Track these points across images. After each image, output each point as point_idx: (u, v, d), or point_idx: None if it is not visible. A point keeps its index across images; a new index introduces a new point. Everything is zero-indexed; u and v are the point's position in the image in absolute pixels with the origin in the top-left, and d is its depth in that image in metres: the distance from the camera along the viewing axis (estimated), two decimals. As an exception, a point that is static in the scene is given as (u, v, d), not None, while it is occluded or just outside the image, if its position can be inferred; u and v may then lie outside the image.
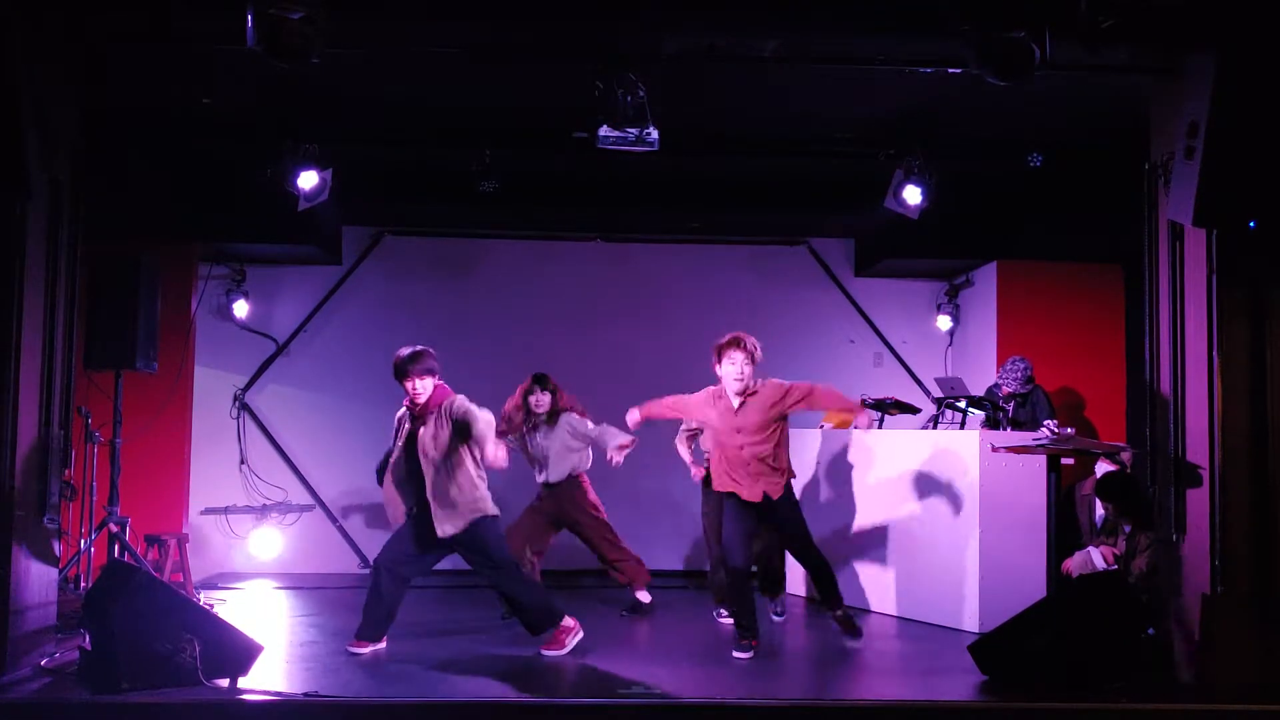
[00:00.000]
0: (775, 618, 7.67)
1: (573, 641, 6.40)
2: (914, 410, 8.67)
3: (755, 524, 6.69)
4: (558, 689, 5.70)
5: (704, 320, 10.28)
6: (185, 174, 8.67)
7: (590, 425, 7.69)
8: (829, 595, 6.90)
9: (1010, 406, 8.86)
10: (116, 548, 7.41)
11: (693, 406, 6.79)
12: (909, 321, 10.63)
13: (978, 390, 9.19)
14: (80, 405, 7.65)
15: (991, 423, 8.57)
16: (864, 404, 8.76)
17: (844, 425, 8.69)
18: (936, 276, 10.59)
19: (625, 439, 7.32)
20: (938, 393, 9.27)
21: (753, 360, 6.52)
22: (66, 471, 6.41)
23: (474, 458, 6.37)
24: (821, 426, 9.00)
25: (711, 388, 6.71)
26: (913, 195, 8.12)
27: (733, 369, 6.51)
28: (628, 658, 6.41)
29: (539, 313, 10.24)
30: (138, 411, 8.71)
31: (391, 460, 6.47)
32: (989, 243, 9.65)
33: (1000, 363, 9.66)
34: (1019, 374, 8.90)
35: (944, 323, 10.46)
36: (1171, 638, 5.98)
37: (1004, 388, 8.91)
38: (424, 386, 6.35)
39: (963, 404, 8.45)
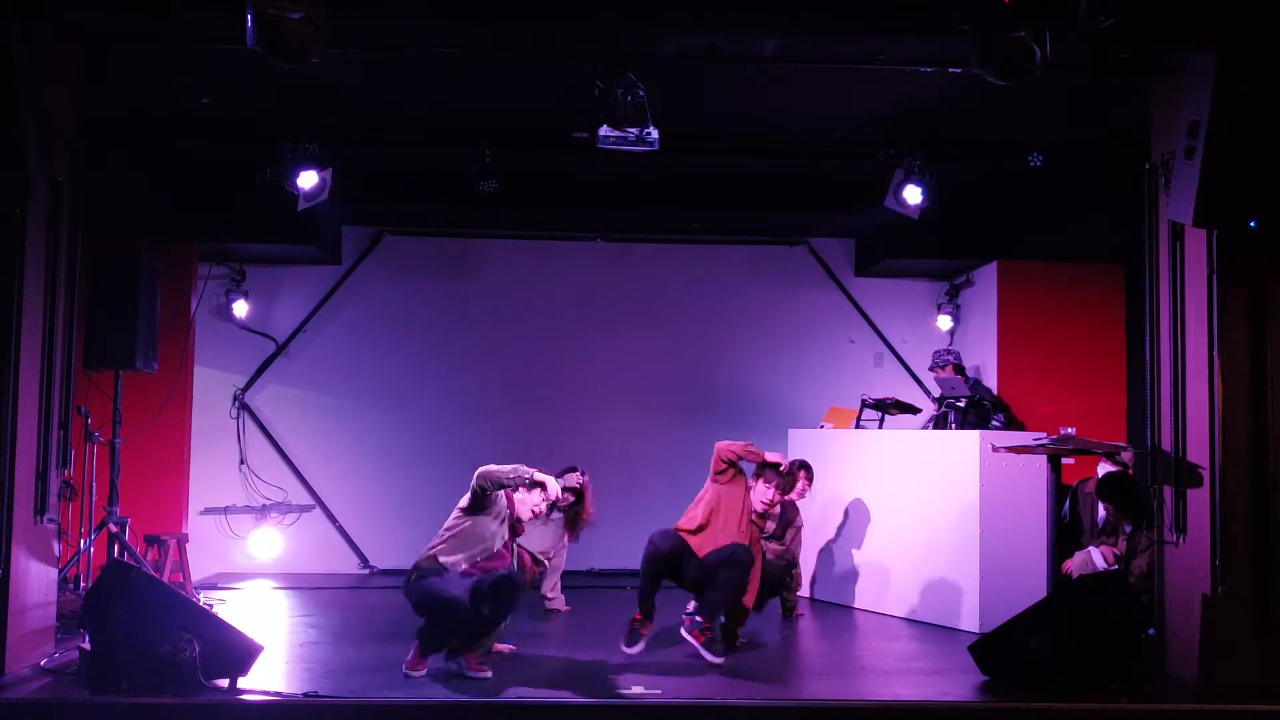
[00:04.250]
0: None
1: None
2: (914, 410, 8.66)
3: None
4: (558, 689, 5.69)
5: (704, 320, 10.35)
6: (185, 174, 8.66)
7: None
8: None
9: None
10: (116, 548, 7.41)
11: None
12: (909, 321, 10.62)
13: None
14: (80, 405, 7.64)
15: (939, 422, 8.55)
16: (864, 404, 8.79)
17: (844, 425, 8.70)
18: (936, 276, 10.58)
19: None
20: (938, 392, 9.27)
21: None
22: (66, 471, 6.41)
23: None
24: (822, 426, 9.00)
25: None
26: (913, 195, 8.11)
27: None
28: (627, 657, 6.39)
29: (539, 312, 10.24)
30: (137, 411, 8.70)
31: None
32: (989, 243, 9.63)
33: (1000, 362, 9.66)
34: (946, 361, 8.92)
35: (944, 323, 10.45)
36: (1171, 638, 5.99)
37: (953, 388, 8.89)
38: None
39: (962, 404, 8.45)
